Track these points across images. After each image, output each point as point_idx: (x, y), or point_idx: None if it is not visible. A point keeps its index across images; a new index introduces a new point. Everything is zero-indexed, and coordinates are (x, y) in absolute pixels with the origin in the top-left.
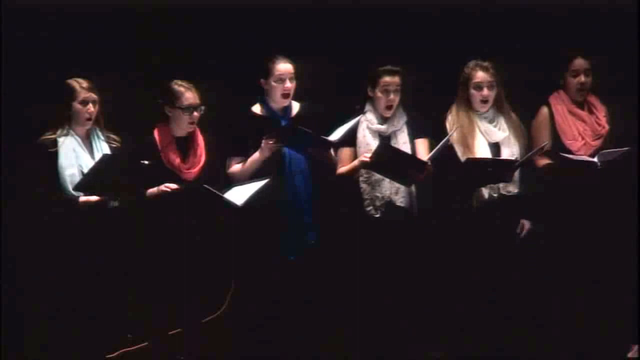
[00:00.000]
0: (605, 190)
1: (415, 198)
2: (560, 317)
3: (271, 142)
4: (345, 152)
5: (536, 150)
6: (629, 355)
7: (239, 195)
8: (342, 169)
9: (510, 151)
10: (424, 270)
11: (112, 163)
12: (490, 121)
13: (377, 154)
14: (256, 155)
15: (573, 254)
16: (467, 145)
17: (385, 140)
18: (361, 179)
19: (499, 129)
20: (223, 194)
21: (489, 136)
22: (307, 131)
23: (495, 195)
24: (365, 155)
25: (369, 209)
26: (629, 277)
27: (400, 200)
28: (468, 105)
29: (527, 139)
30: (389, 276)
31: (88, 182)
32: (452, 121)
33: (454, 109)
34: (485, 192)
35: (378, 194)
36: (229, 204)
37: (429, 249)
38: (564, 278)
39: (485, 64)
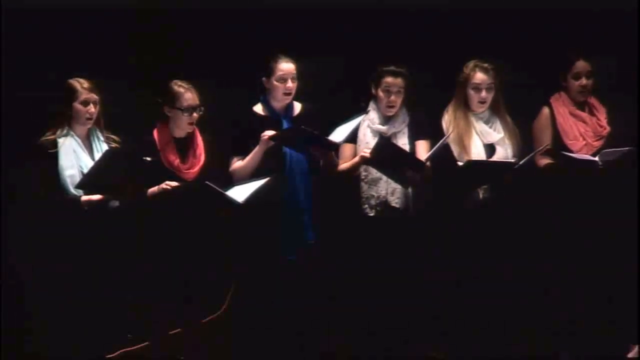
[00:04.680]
0: (605, 190)
1: (412, 200)
2: (560, 317)
3: (269, 137)
4: (347, 148)
5: (536, 152)
6: (629, 355)
7: (240, 193)
8: (343, 166)
9: (504, 152)
10: (419, 270)
11: (114, 159)
12: (486, 122)
13: (376, 149)
14: (255, 150)
15: (573, 253)
16: (463, 146)
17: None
18: (360, 177)
19: (494, 130)
20: (224, 192)
21: (484, 137)
22: (312, 131)
23: (488, 196)
24: (365, 151)
25: (364, 207)
26: (629, 277)
27: (395, 201)
28: (465, 105)
29: (520, 142)
30: (383, 276)
31: (90, 180)
32: (449, 120)
33: (450, 108)
34: (480, 192)
35: (374, 193)
36: (231, 202)
37: (423, 249)
38: (564, 278)
39: (485, 65)
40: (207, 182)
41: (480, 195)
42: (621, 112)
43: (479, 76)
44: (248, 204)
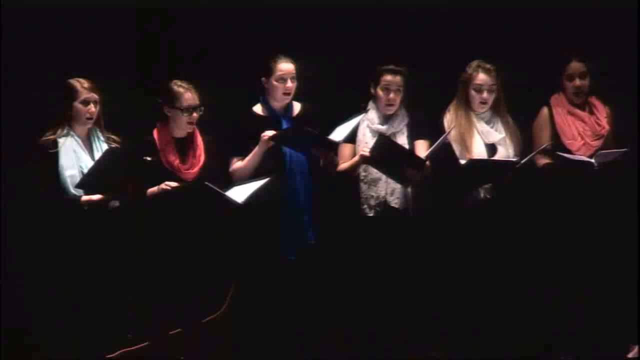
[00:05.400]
0: (605, 189)
1: (411, 200)
2: (560, 317)
3: (268, 138)
4: (346, 148)
5: (537, 151)
6: (629, 355)
7: (239, 193)
8: (342, 166)
9: (506, 152)
10: (418, 270)
11: (115, 159)
12: (487, 122)
13: (376, 147)
14: (255, 150)
15: (573, 253)
16: (465, 145)
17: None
18: (359, 178)
19: (496, 130)
20: (224, 192)
21: (485, 137)
22: (312, 132)
23: (489, 196)
24: (364, 150)
25: (363, 207)
26: (629, 277)
27: (395, 201)
28: (467, 105)
29: (521, 142)
30: (382, 276)
31: (90, 180)
32: (450, 120)
33: (452, 108)
34: (481, 192)
35: (373, 194)
36: (230, 202)
37: (423, 249)
38: (564, 278)
39: (488, 66)
40: (206, 183)
41: (482, 195)
42: (621, 112)
43: (481, 77)
44: (248, 204)
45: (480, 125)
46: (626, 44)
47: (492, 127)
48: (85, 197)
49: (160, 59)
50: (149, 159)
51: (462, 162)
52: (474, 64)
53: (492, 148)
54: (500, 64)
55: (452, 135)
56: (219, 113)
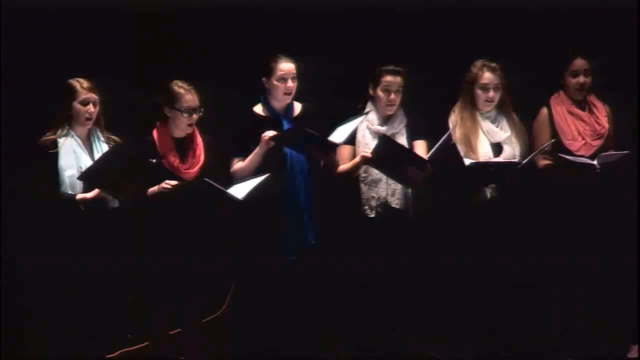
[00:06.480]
0: (606, 189)
1: (412, 200)
2: (560, 317)
3: (269, 138)
4: (345, 150)
5: (539, 151)
6: (629, 355)
7: (239, 190)
8: (342, 167)
9: (512, 151)
10: (419, 270)
11: (119, 156)
12: (493, 121)
13: (378, 148)
14: (255, 150)
15: (573, 253)
16: (470, 145)
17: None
18: (360, 179)
19: (501, 129)
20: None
21: (491, 136)
22: (313, 133)
23: (495, 195)
24: (366, 151)
25: (364, 208)
26: (629, 277)
27: (395, 201)
28: (472, 104)
29: (527, 140)
30: (383, 276)
31: (93, 172)
32: (455, 120)
33: (457, 108)
34: (487, 192)
35: (374, 195)
36: (230, 198)
37: (423, 250)
38: (564, 278)
39: (493, 64)
40: (206, 179)
41: (488, 195)
42: (621, 112)
43: (487, 76)
44: (249, 204)
45: (486, 125)
46: (626, 44)
47: (497, 126)
48: (80, 196)
49: (160, 59)
50: (154, 160)
51: (467, 162)
52: (479, 63)
53: (498, 147)
54: (505, 63)
55: (457, 136)
56: (219, 113)
